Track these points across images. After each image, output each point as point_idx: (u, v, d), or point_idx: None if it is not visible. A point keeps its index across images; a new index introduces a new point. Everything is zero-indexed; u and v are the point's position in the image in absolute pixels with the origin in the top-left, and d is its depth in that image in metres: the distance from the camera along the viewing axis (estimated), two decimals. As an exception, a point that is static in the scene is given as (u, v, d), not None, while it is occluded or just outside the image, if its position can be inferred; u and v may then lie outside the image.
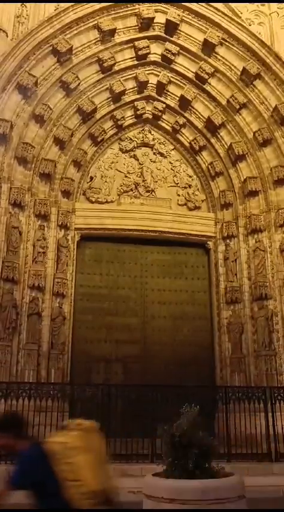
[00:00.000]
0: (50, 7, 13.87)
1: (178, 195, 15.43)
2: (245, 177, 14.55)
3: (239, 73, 14.53)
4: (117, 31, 14.29)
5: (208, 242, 15.02)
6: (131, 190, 15.15)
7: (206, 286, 14.89)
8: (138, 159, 15.47)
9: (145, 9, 14.31)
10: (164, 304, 14.56)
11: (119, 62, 14.58)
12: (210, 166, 15.21)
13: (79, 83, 14.07)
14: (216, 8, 14.49)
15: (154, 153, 15.67)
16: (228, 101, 14.72)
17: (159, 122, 15.66)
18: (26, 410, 9.49)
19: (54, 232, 13.50)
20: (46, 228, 13.35)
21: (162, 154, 15.69)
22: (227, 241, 14.68)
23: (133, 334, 14.10)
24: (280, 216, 13.89)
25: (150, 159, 15.58)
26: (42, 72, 13.42)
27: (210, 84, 14.99)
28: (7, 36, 13.30)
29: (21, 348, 12.10)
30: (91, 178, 15.01)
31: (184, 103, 15.19)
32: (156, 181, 15.35)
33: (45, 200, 13.36)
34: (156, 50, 14.89)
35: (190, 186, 15.53)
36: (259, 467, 8.92)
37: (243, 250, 14.31)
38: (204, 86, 14.99)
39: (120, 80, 14.70)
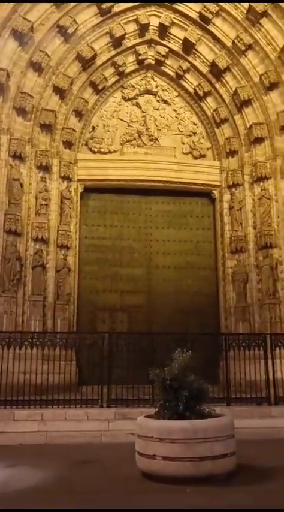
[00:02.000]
0: None
1: (183, 143, 15.09)
2: (251, 123, 14.12)
3: (245, 11, 13.82)
4: None
5: (213, 191, 14.80)
6: (134, 139, 14.85)
7: (211, 236, 14.80)
8: (140, 107, 15.07)
9: None
10: (169, 255, 14.57)
11: (118, 2, 13.92)
12: (214, 113, 14.77)
13: (77, 27, 13.56)
14: None
15: (157, 101, 15.23)
16: (233, 43, 14.09)
17: (162, 68, 15.11)
18: (33, 359, 9.84)
19: (56, 184, 13.41)
20: (48, 180, 13.26)
21: (165, 102, 15.24)
22: (233, 190, 14.45)
23: (137, 285, 14.22)
24: (287, 163, 13.56)
25: (153, 107, 15.16)
26: (38, 17, 12.93)
27: (214, 24, 14.32)
28: (0, -22, 12.75)
29: (27, 299, 12.33)
30: (94, 128, 14.71)
31: (188, 46, 14.58)
32: (160, 130, 15.00)
33: (46, 151, 13.21)
34: (157, -12, 14.19)
35: (195, 133, 15.15)
36: (257, 411, 9.14)
37: (248, 198, 14.09)
38: (208, 27, 14.33)
39: (120, 23, 14.12)
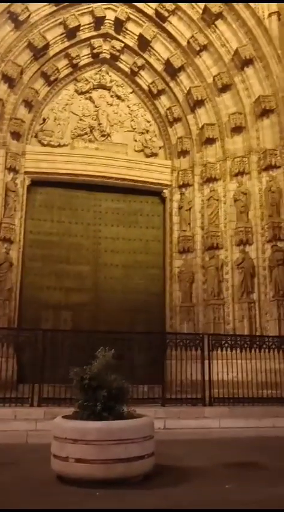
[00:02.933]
0: None
1: (135, 140, 14.94)
2: (203, 124, 14.12)
3: (201, 11, 13.81)
4: None
5: (164, 190, 14.71)
6: (86, 134, 14.58)
7: (160, 235, 14.69)
8: (94, 102, 14.81)
9: None
10: (117, 253, 14.36)
11: (73, -7, 13.66)
12: (168, 112, 14.70)
13: (29, 15, 13.18)
14: None
15: (111, 96, 15.01)
16: (188, 42, 14.06)
17: (117, 63, 14.92)
18: None
19: (1, 176, 12.97)
20: (-8, 170, 12.79)
21: (119, 97, 15.04)
22: (183, 189, 14.41)
23: (84, 282, 13.95)
24: (236, 165, 13.64)
25: (107, 102, 14.93)
26: (-13, 1, 12.47)
27: (170, 22, 14.26)
28: None
29: None
30: (44, 120, 14.35)
31: (144, 43, 14.45)
32: (112, 126, 14.79)
33: (-9, 141, 12.75)
34: (113, -18, 13.98)
35: (147, 131, 15.02)
36: (191, 411, 9.07)
37: (198, 199, 14.08)
38: (164, 25, 14.26)
39: (74, 14, 13.83)
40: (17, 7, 12.88)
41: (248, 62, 13.64)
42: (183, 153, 14.59)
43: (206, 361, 9.62)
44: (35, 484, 5.20)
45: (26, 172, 13.66)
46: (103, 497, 4.60)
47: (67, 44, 14.16)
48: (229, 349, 10.26)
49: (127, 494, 4.70)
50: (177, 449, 7.03)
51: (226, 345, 9.74)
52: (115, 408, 5.47)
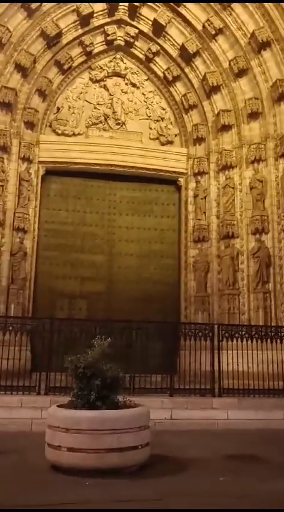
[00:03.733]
0: None
1: (150, 128, 14.75)
2: (218, 110, 13.81)
3: (216, -7, 13.45)
4: None
5: (179, 179, 14.50)
6: (100, 122, 14.48)
7: (175, 224, 14.52)
8: (108, 90, 14.67)
9: None
10: (132, 242, 14.28)
11: (86, -22, 13.49)
12: (183, 98, 14.44)
13: (41, 3, 13.08)
14: None
15: (126, 83, 14.84)
16: (204, 26, 13.74)
17: (132, 50, 14.71)
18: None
19: (15, 165, 13.02)
20: (6, 160, 12.86)
21: (134, 85, 14.86)
22: (198, 178, 14.18)
23: (98, 271, 13.93)
24: (252, 152, 13.31)
25: (122, 90, 14.77)
26: (-1, -10, 12.43)
27: (185, 6, 13.95)
28: None
29: (-22, 283, 11.98)
30: (58, 109, 14.31)
31: (158, 28, 14.19)
32: (127, 114, 14.64)
33: (5, 131, 12.78)
34: None
35: (163, 119, 14.81)
36: (199, 402, 8.95)
37: (213, 187, 13.83)
38: (179, 9, 13.96)
39: (87, 1, 13.65)
40: (29, -5, 12.81)
41: (265, 45, 13.22)
42: (199, 140, 14.34)
43: (216, 352, 9.40)
44: (27, 473, 5.20)
45: (40, 162, 13.67)
46: (92, 487, 4.55)
47: (80, 31, 14.04)
48: (240, 339, 10.09)
49: (116, 484, 4.64)
50: (180, 439, 6.95)
51: (237, 335, 9.52)
52: (110, 397, 5.41)
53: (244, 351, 10.30)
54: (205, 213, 13.87)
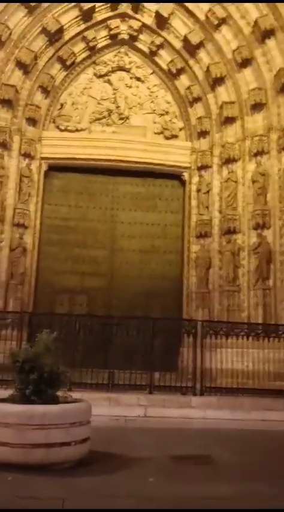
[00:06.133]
0: None
1: (154, 122, 14.57)
2: (222, 102, 13.46)
3: (219, -18, 13.10)
4: None
5: (183, 173, 14.25)
6: (104, 117, 14.42)
7: (179, 219, 14.28)
8: (112, 84, 14.58)
9: None
10: (134, 238, 14.16)
11: (85, -26, 13.44)
12: (187, 91, 14.16)
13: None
14: None
15: (130, 78, 14.71)
16: (207, 16, 13.40)
17: (136, 43, 14.56)
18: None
19: (15, 162, 13.16)
20: (6, 157, 13.00)
21: (139, 79, 14.71)
22: (202, 172, 13.89)
23: (100, 267, 13.90)
24: (255, 144, 12.92)
25: (126, 84, 14.65)
26: (-2, -12, 12.56)
27: (187, -3, 13.65)
28: None
29: (-25, 277, 12.19)
30: (62, 105, 14.34)
31: (162, 20, 13.98)
32: (131, 108, 14.51)
33: (4, 128, 12.93)
34: None
35: (167, 113, 14.59)
36: (177, 400, 8.75)
37: (216, 181, 13.51)
38: None
39: (89, -5, 13.61)
40: (29, -8, 12.88)
41: (269, 33, 12.80)
42: (203, 133, 14.04)
43: (197, 349, 9.18)
44: None
45: (42, 158, 13.76)
46: (8, 482, 4.49)
47: (83, 26, 14.01)
48: (236, 337, 9.84)
49: (33, 480, 4.55)
50: (141, 438, 6.80)
51: (221, 332, 9.25)
52: (47, 392, 5.33)
53: (244, 349, 10.07)
54: (207, 207, 13.58)
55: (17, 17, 13.11)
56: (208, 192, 13.63)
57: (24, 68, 13.31)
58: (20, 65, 13.26)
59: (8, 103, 13.10)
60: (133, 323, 9.91)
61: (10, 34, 12.92)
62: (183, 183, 14.37)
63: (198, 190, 13.80)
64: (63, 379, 5.57)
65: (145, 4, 14.03)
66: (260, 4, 12.83)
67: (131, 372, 9.66)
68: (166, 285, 13.80)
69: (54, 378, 5.43)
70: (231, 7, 13.19)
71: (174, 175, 14.42)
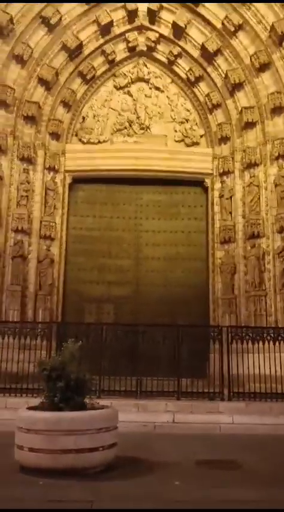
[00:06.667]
0: None
1: (175, 131, 14.71)
2: (241, 108, 13.51)
3: (234, -11, 13.21)
4: None
5: (205, 180, 14.32)
6: (125, 128, 14.65)
7: (203, 226, 14.34)
8: (132, 95, 14.82)
9: None
10: (158, 246, 14.28)
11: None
12: (207, 98, 14.27)
13: (61, 17, 13.50)
14: None
15: (150, 88, 14.92)
16: (223, 24, 13.52)
17: (154, 54, 14.77)
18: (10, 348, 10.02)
19: (40, 176, 13.51)
20: (31, 171, 13.37)
21: (158, 89, 14.90)
22: (224, 177, 13.93)
23: (125, 276, 14.07)
24: (276, 148, 12.90)
25: (145, 94, 14.86)
26: (19, 9, 12.98)
27: (203, 5, 13.80)
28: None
29: (6, 289, 12.51)
30: (84, 118, 14.66)
31: (178, 30, 14.15)
32: (151, 118, 14.70)
33: (29, 143, 13.30)
34: (143, -28, 13.83)
35: (187, 120, 14.71)
36: (205, 406, 8.78)
37: (238, 186, 13.54)
38: (197, 9, 13.83)
39: (106, 11, 13.90)
40: (48, 11, 13.26)
41: (286, 37, 12.78)
42: (224, 139, 14.10)
43: (224, 355, 9.19)
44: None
45: (66, 171, 14.08)
46: (40, 487, 4.66)
47: (102, 41, 14.31)
48: (262, 342, 9.81)
49: (63, 484, 4.71)
50: (169, 443, 6.88)
51: (247, 337, 9.25)
52: (74, 399, 5.49)
53: (271, 353, 10.01)
54: (231, 213, 13.60)
55: (38, 36, 13.51)
56: (230, 197, 13.66)
57: (46, 84, 13.69)
58: (42, 81, 13.64)
59: (32, 119, 13.49)
60: (159, 330, 9.98)
61: (31, 53, 13.31)
62: (205, 189, 14.43)
63: (221, 196, 13.84)
64: (90, 386, 5.72)
65: (162, 15, 14.23)
66: (276, 7, 12.86)
67: (158, 378, 9.74)
68: (192, 291, 13.85)
69: (81, 385, 5.59)
70: (248, 13, 13.25)
71: (196, 182, 14.50)
